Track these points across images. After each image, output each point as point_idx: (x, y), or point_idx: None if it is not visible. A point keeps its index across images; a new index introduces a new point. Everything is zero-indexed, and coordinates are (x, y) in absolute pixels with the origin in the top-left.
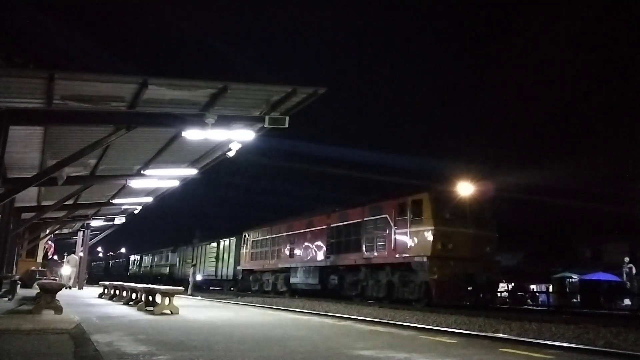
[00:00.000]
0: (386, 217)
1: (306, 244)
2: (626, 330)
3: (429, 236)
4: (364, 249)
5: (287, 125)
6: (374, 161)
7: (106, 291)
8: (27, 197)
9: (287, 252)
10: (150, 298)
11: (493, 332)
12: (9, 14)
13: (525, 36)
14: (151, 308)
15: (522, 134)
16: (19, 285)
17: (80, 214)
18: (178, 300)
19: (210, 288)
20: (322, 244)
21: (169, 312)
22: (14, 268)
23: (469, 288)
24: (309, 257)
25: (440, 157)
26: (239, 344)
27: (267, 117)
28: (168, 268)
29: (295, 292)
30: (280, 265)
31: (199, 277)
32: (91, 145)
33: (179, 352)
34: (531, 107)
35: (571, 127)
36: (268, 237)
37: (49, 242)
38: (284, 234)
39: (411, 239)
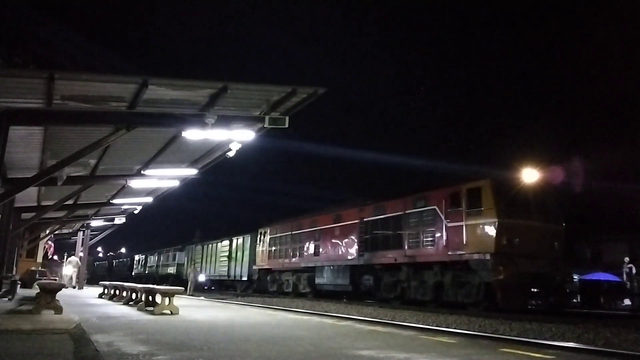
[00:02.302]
0: (435, 208)
1: (334, 240)
2: (626, 330)
3: (492, 230)
4: (406, 245)
5: (287, 125)
6: (375, 161)
7: (106, 291)
8: (27, 197)
9: (311, 250)
10: (150, 298)
11: (493, 332)
12: (9, 13)
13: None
14: (151, 308)
15: (515, 131)
16: (19, 285)
17: (80, 214)
18: (178, 301)
19: (220, 289)
20: (353, 241)
21: (169, 312)
22: (14, 268)
23: (535, 290)
24: (337, 255)
25: (439, 156)
26: (239, 344)
27: (267, 117)
28: (175, 268)
29: (319, 294)
30: (303, 265)
31: (202, 278)
32: (91, 145)
33: (178, 352)
34: (516, 105)
35: (572, 124)
36: (288, 233)
37: (49, 242)
38: (307, 229)
39: (468, 233)
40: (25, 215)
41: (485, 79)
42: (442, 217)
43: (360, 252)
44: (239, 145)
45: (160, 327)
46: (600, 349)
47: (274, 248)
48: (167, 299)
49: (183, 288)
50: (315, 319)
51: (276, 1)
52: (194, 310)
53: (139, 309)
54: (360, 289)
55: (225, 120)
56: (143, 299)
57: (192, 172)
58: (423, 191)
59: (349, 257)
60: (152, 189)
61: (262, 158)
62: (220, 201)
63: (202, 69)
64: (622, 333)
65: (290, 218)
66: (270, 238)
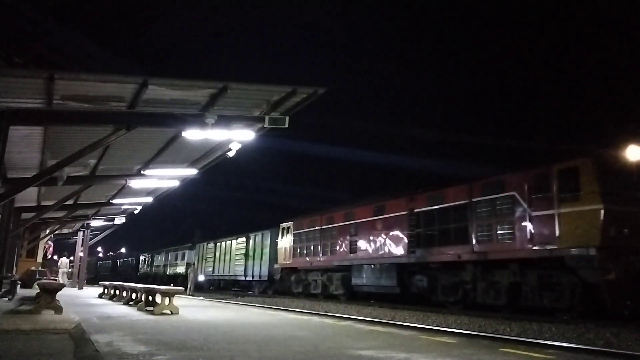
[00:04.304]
0: (513, 195)
1: (376, 235)
2: (626, 330)
3: (596, 218)
4: (474, 239)
5: (287, 125)
6: (375, 161)
7: (106, 291)
8: (27, 197)
9: (347, 246)
10: (150, 298)
11: (493, 332)
12: (9, 14)
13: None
14: (151, 308)
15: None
16: (19, 285)
17: (80, 214)
18: (178, 301)
19: (233, 289)
20: (401, 235)
21: (169, 312)
22: (14, 268)
23: None
24: (380, 252)
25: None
26: (239, 344)
27: (267, 117)
28: (185, 267)
29: (355, 296)
30: (336, 263)
31: (202, 278)
32: (91, 145)
33: (178, 352)
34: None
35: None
36: (317, 228)
37: (49, 242)
38: (341, 224)
39: (562, 223)
40: (25, 215)
41: (489, 73)
42: (524, 205)
43: (411, 248)
44: (239, 145)
45: (160, 327)
46: (600, 349)
47: (299, 245)
48: (167, 299)
49: (183, 288)
50: (316, 319)
51: (276, 1)
52: (194, 310)
53: (139, 309)
54: (410, 291)
55: (225, 120)
56: (143, 299)
57: (192, 172)
58: (496, 175)
59: (396, 255)
60: (152, 189)
61: (262, 158)
62: (224, 201)
63: (202, 69)
64: (622, 333)
65: (319, 211)
66: (294, 234)
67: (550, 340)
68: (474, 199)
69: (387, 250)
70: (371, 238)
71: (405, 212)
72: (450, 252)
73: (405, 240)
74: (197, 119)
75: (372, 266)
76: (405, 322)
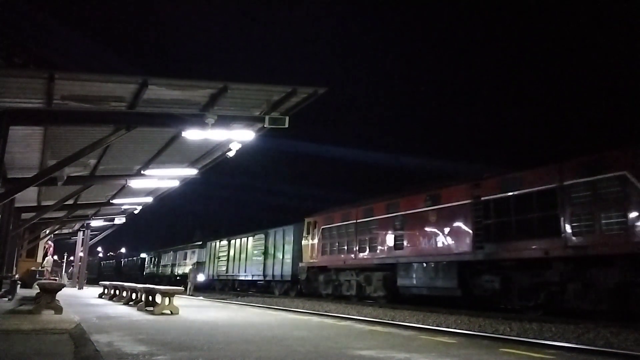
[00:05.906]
0: (623, 175)
1: (429, 228)
2: (626, 331)
3: None
4: (567, 231)
5: (287, 125)
6: (374, 161)
7: (106, 291)
8: (27, 197)
9: (390, 242)
10: (150, 298)
11: (493, 332)
12: (9, 14)
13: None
14: (151, 308)
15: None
16: (19, 285)
17: (80, 214)
18: (178, 301)
19: (235, 290)
20: (464, 228)
21: (169, 312)
22: (14, 268)
23: None
24: (436, 248)
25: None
26: (239, 344)
27: (267, 117)
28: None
29: (399, 299)
30: (376, 261)
31: (201, 277)
32: (91, 145)
33: (179, 352)
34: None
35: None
36: (351, 222)
37: (49, 242)
38: (382, 216)
39: None
40: (25, 215)
41: (482, 76)
42: None
43: (477, 243)
44: (239, 145)
45: (161, 327)
46: (600, 349)
47: (329, 241)
48: (167, 299)
49: (183, 288)
50: (315, 319)
51: (276, 1)
52: (194, 310)
53: (139, 309)
54: (474, 293)
55: (225, 120)
56: (143, 299)
57: (192, 172)
58: (597, 152)
59: (457, 251)
60: (152, 189)
61: (262, 158)
62: (225, 200)
63: (202, 69)
64: (622, 333)
65: (352, 204)
66: (323, 229)
67: (550, 340)
68: (567, 182)
69: (444, 246)
70: (423, 232)
71: (468, 201)
72: (533, 247)
73: (470, 233)
74: (197, 119)
75: (425, 265)
76: (405, 322)
